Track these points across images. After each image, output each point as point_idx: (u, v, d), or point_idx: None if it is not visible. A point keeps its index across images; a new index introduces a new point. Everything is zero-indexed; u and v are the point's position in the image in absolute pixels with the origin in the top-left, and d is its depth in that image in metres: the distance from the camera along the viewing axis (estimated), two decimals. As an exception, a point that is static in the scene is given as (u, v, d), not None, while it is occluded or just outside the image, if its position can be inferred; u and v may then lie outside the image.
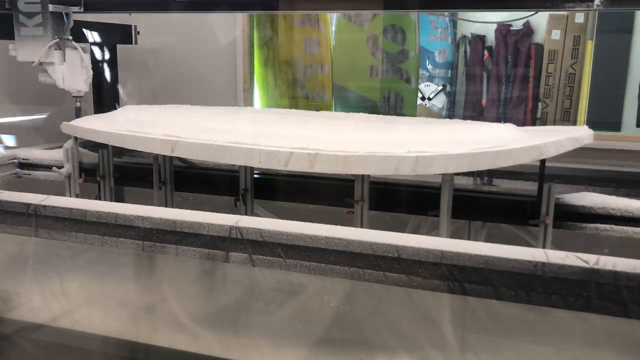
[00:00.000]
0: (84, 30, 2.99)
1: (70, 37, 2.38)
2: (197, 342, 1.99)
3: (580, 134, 1.76)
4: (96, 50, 3.16)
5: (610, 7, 2.02)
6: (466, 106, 4.59)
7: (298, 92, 3.73)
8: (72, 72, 2.37)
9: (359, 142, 1.81)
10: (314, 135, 1.91)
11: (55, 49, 2.33)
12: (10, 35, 2.58)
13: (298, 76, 3.71)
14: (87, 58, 2.42)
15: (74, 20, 2.84)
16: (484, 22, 4.33)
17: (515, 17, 3.97)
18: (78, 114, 2.48)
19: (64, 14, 2.34)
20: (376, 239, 1.37)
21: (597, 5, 1.97)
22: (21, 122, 3.28)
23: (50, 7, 2.29)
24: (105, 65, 3.19)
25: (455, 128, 1.93)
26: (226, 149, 1.89)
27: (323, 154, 1.77)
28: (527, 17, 3.93)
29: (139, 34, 3.33)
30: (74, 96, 2.43)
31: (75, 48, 2.36)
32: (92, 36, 2.99)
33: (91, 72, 2.46)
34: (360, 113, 2.27)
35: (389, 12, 3.44)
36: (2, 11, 2.55)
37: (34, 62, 2.33)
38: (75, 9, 2.38)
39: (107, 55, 3.18)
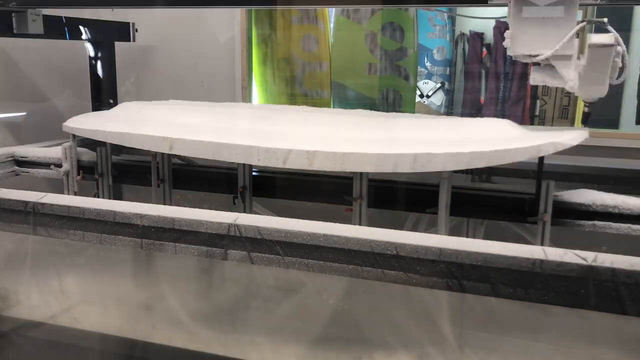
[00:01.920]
0: (81, 27, 2.99)
1: (605, 19, 1.61)
2: (195, 340, 1.99)
3: (575, 135, 1.77)
4: (94, 48, 3.16)
5: (612, 3, 1.97)
6: (465, 104, 4.59)
7: (296, 89, 3.73)
8: (594, 68, 1.59)
9: (357, 140, 1.81)
10: (312, 133, 1.91)
11: (576, 37, 1.59)
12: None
13: (296, 74, 3.71)
14: (621, 49, 1.62)
15: (71, 18, 2.85)
16: (482, 18, 4.33)
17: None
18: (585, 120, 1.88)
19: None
20: (375, 236, 1.38)
21: (600, 1, 1.91)
22: (19, 119, 3.28)
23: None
24: (103, 63, 3.18)
25: (453, 125, 1.93)
26: (224, 146, 1.89)
27: (321, 152, 1.77)
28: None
29: (137, 31, 3.32)
30: (586, 104, 1.77)
31: (610, 35, 1.55)
32: (90, 33, 2.98)
33: (625, 69, 1.66)
34: (359, 109, 2.26)
35: (388, 7, 3.44)
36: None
37: (537, 55, 1.63)
38: None
39: (105, 53, 3.17)
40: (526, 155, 1.72)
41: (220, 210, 1.60)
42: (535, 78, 1.70)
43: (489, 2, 1.91)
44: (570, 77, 1.61)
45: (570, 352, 1.80)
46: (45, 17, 2.78)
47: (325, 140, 1.83)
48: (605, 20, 1.62)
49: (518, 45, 1.66)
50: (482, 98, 4.49)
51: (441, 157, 1.70)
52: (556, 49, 1.56)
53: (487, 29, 4.39)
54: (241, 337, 1.99)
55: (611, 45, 1.53)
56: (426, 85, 4.76)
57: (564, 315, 1.67)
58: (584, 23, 1.59)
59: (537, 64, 1.66)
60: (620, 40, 1.59)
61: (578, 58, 1.61)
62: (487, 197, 2.05)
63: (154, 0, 2.56)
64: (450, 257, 1.30)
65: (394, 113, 2.32)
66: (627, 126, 3.66)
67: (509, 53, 1.72)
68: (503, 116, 1.96)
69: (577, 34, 1.59)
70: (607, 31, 1.59)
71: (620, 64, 1.63)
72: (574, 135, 1.75)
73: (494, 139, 1.78)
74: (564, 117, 3.83)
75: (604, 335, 1.76)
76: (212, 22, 3.67)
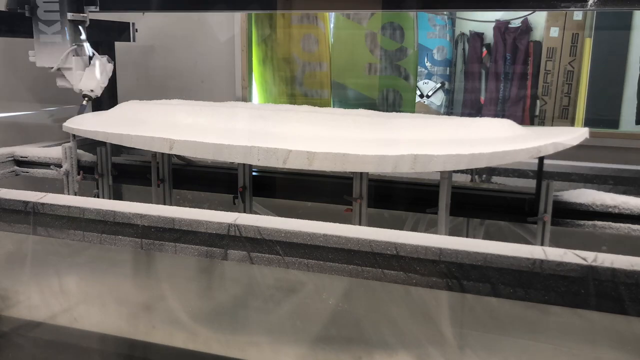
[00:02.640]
0: (80, 27, 2.98)
1: (86, 44, 2.52)
2: (195, 340, 1.99)
3: (575, 135, 1.77)
4: (94, 48, 3.16)
5: (603, 7, 2.02)
6: (465, 104, 4.59)
7: (296, 89, 3.73)
8: (88, 75, 2.49)
9: (357, 140, 1.81)
10: (313, 133, 1.91)
11: (73, 55, 2.45)
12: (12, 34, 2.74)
13: (296, 74, 3.71)
14: (103, 61, 2.55)
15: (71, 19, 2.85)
16: (482, 21, 4.34)
17: (513, 16, 3.97)
18: (82, 111, 2.60)
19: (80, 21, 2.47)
20: (375, 236, 1.38)
21: (590, 5, 1.97)
22: (19, 119, 3.28)
23: (69, 15, 2.41)
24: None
25: (454, 125, 1.93)
26: (225, 147, 1.89)
27: (321, 152, 1.77)
28: (525, 15, 3.93)
29: (137, 31, 3.32)
30: (83, 95, 2.52)
31: (90, 55, 2.52)
32: (90, 33, 2.98)
33: (109, 74, 2.58)
34: (359, 109, 2.26)
35: (387, 11, 3.44)
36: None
37: (52, 67, 2.44)
38: (92, 8, 2.49)
39: (105, 53, 3.17)
40: (526, 155, 1.72)
41: (220, 210, 1.60)
42: (59, 82, 2.50)
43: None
44: (73, 82, 2.46)
45: (570, 352, 1.80)
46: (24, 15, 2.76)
47: (326, 141, 1.83)
48: (86, 44, 2.49)
49: (40, 60, 2.46)
50: (482, 98, 4.50)
51: (441, 157, 1.70)
52: (58, 64, 2.42)
53: (487, 29, 4.39)
54: (241, 337, 1.99)
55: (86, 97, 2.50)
56: (426, 85, 4.76)
57: (564, 315, 1.67)
58: (75, 46, 2.45)
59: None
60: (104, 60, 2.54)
61: (84, 70, 2.47)
62: (487, 197, 2.05)
63: (167, 4, 2.67)
64: (450, 257, 1.30)
65: (394, 113, 2.32)
66: (627, 126, 3.66)
67: (37, 65, 2.47)
68: (503, 116, 1.96)
69: (75, 53, 2.45)
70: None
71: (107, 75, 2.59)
72: (574, 135, 1.75)
73: (494, 139, 1.78)
74: (564, 117, 3.83)
75: (604, 335, 1.76)
76: (212, 22, 3.67)
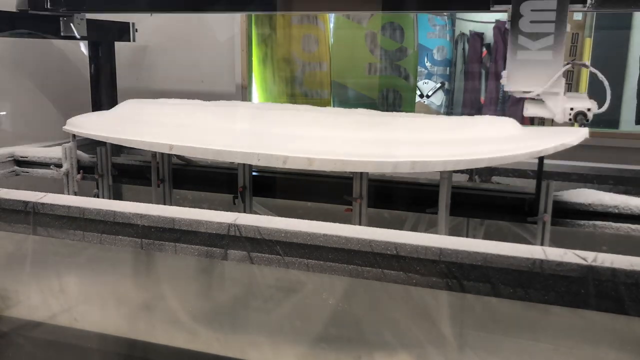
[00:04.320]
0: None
1: (588, 62, 2.04)
2: (195, 340, 1.99)
3: (575, 135, 1.77)
4: (94, 47, 3.16)
5: (602, 9, 2.02)
6: (465, 104, 4.59)
7: (296, 89, 3.73)
8: (578, 102, 1.94)
9: (357, 140, 1.81)
10: (313, 132, 1.91)
11: (563, 76, 1.92)
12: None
13: (296, 74, 3.71)
14: (604, 83, 1.99)
15: (69, 18, 2.87)
16: (481, 22, 4.34)
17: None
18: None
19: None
20: (375, 236, 1.38)
21: (588, 7, 1.99)
22: (19, 119, 3.28)
23: (568, 27, 1.88)
24: (103, 62, 3.18)
25: (454, 124, 1.93)
26: (224, 152, 1.90)
27: (321, 152, 1.77)
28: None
29: (136, 31, 3.32)
30: (577, 115, 1.93)
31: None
32: (90, 33, 2.98)
33: (608, 97, 1.98)
34: (359, 109, 2.26)
35: (386, 13, 3.44)
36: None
37: (529, 92, 1.89)
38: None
39: (105, 52, 3.17)
40: (526, 155, 1.72)
41: (220, 210, 1.60)
42: (529, 110, 1.94)
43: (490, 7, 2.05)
44: (557, 110, 1.90)
45: (570, 352, 1.80)
46: (45, 17, 2.79)
47: (326, 141, 1.83)
48: (587, 63, 2.00)
49: (513, 82, 1.91)
50: (482, 98, 4.50)
51: (441, 157, 1.70)
52: (545, 87, 1.87)
53: (487, 29, 4.39)
54: (241, 337, 1.99)
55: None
56: (426, 85, 4.76)
57: (564, 315, 1.67)
58: (569, 65, 1.94)
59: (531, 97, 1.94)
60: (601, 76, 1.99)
61: (564, 94, 1.93)
62: (487, 197, 2.05)
63: (169, 5, 2.66)
64: (450, 257, 1.30)
65: (394, 113, 2.32)
66: (627, 126, 3.66)
67: (505, 89, 1.96)
68: (503, 116, 1.96)
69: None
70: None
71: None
72: (574, 135, 1.75)
73: (494, 139, 1.78)
74: (564, 117, 3.82)
75: (604, 335, 1.76)
76: (212, 22, 3.67)
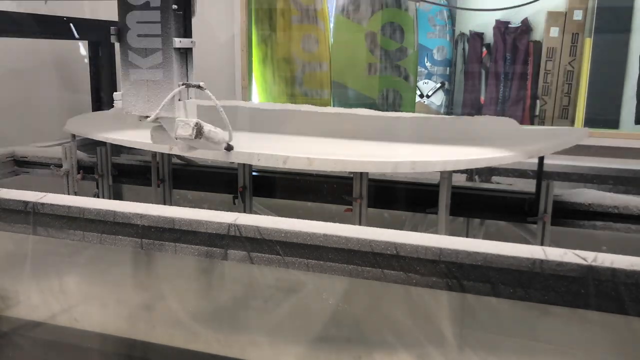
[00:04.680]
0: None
1: (202, 84, 1.79)
2: (195, 340, 1.99)
3: (575, 135, 1.77)
4: (93, 47, 3.16)
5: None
6: (465, 104, 4.59)
7: (296, 89, 3.73)
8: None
9: (357, 140, 1.81)
10: (313, 132, 1.91)
11: (179, 99, 1.70)
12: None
13: (296, 74, 3.71)
14: (221, 112, 1.73)
15: (69, 18, 2.87)
16: (482, 10, 4.32)
17: (514, 16, 3.96)
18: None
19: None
20: (374, 236, 1.38)
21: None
22: (19, 119, 3.28)
23: (176, 42, 1.67)
24: (103, 62, 3.18)
25: (454, 124, 1.93)
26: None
27: (321, 152, 1.77)
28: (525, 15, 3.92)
29: (137, 31, 3.32)
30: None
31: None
32: (90, 33, 2.99)
33: (231, 130, 1.73)
34: (359, 109, 2.27)
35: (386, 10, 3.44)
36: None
37: (146, 117, 1.66)
38: None
39: (104, 52, 3.17)
40: (526, 155, 1.72)
41: (220, 210, 1.60)
42: (155, 138, 1.70)
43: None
44: (180, 136, 1.60)
45: (570, 352, 1.80)
46: (45, 17, 2.79)
47: (326, 141, 1.83)
48: (202, 84, 1.72)
49: (129, 106, 1.65)
50: (482, 98, 4.50)
51: (441, 157, 1.70)
52: (157, 112, 1.59)
53: (487, 29, 4.39)
54: (241, 337, 1.99)
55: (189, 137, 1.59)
56: (426, 85, 4.76)
57: (564, 315, 1.67)
58: (183, 86, 1.66)
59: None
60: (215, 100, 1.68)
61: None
62: (487, 197, 2.05)
63: None
64: (450, 257, 1.30)
65: (394, 112, 2.32)
66: (627, 126, 3.66)
67: (124, 112, 1.66)
68: (503, 116, 1.96)
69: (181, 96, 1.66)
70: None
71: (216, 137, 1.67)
72: (573, 135, 1.76)
73: (494, 139, 1.79)
74: (564, 117, 3.83)
75: (604, 335, 1.76)
76: (212, 21, 3.67)
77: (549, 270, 1.22)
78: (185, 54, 1.73)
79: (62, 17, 2.86)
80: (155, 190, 2.42)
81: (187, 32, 1.71)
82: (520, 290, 1.26)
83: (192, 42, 1.72)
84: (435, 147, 1.74)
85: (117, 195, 2.74)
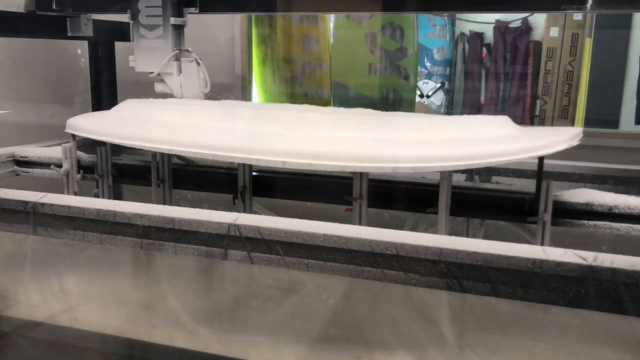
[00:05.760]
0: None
1: (190, 49, 2.51)
2: (195, 340, 1.99)
3: (573, 135, 1.77)
4: (94, 47, 3.16)
5: (600, 9, 2.05)
6: (465, 104, 4.59)
7: (296, 89, 3.73)
8: (188, 81, 2.49)
9: (357, 140, 1.81)
10: (313, 132, 1.91)
11: (174, 60, 2.46)
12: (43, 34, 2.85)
13: (296, 74, 3.71)
14: (203, 69, 2.52)
15: (76, 18, 2.89)
16: (481, 22, 4.34)
17: (513, 17, 3.97)
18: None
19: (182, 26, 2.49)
20: (375, 236, 1.38)
21: (589, 7, 2.01)
22: (19, 119, 3.28)
23: (172, 20, 2.41)
24: (104, 62, 3.18)
25: (453, 124, 1.93)
26: (225, 149, 1.90)
27: (321, 152, 1.77)
28: (525, 15, 3.93)
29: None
30: None
31: (192, 60, 2.49)
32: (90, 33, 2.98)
33: (208, 82, 2.53)
34: (359, 108, 2.26)
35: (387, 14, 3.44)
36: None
37: (152, 72, 2.47)
38: (192, 10, 2.50)
39: (105, 52, 3.17)
40: (525, 155, 1.72)
41: (220, 210, 1.60)
42: (158, 87, 2.52)
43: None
44: (173, 86, 2.47)
45: (570, 352, 1.80)
46: (45, 17, 2.79)
47: (326, 140, 1.83)
48: (190, 49, 2.51)
49: (140, 65, 2.51)
50: (482, 98, 4.50)
51: (441, 157, 1.69)
52: (160, 67, 2.45)
53: (487, 29, 4.39)
54: (241, 337, 1.99)
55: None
56: (426, 85, 4.76)
57: (564, 315, 1.67)
58: (177, 51, 2.46)
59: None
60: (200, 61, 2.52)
61: (179, 75, 2.48)
62: (487, 197, 2.05)
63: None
64: (450, 257, 1.30)
65: (394, 112, 2.32)
66: (627, 126, 3.66)
67: (136, 70, 2.52)
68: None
69: (176, 58, 2.47)
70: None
71: (206, 81, 2.53)
72: (572, 135, 1.75)
73: (493, 139, 1.78)
74: (564, 117, 3.83)
75: (604, 335, 1.76)
76: (212, 21, 3.67)
77: (549, 270, 1.22)
78: (179, 29, 2.50)
79: (62, 17, 2.86)
80: (155, 190, 2.42)
81: (180, 14, 2.48)
82: (520, 290, 1.26)
83: (183, 20, 2.49)
84: (435, 147, 1.74)
85: (117, 195, 2.74)
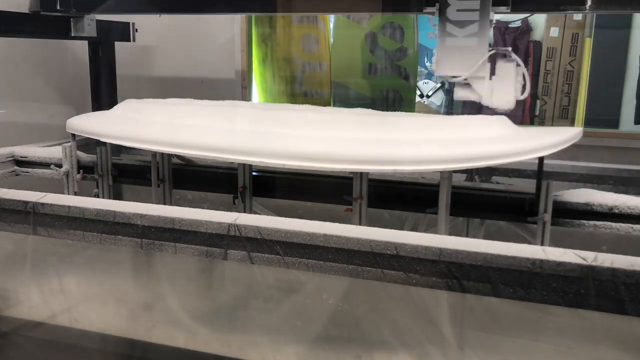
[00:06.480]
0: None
1: (510, 48, 2.12)
2: (195, 340, 1.99)
3: (572, 134, 1.77)
4: (94, 47, 3.16)
5: (600, 9, 2.05)
6: (465, 104, 4.58)
7: (296, 89, 3.73)
8: (502, 86, 2.09)
9: (357, 140, 1.81)
10: (313, 132, 1.91)
11: (489, 62, 2.08)
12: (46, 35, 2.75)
13: (296, 73, 3.71)
14: (523, 69, 2.11)
15: (80, 19, 2.90)
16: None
17: (513, 17, 3.96)
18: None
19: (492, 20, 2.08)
20: (375, 236, 1.38)
21: (588, 8, 2.01)
22: (19, 119, 3.28)
23: (493, 16, 2.03)
24: (103, 62, 3.18)
25: (453, 124, 1.93)
26: (225, 149, 1.90)
27: (321, 152, 1.77)
28: (525, 15, 3.92)
29: (137, 31, 3.32)
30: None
31: (513, 60, 2.09)
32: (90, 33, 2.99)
33: (528, 86, 2.12)
34: (359, 108, 2.26)
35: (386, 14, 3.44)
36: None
37: (457, 77, 2.08)
38: (503, 9, 2.10)
39: (105, 52, 3.17)
40: (525, 155, 1.72)
41: (220, 210, 1.60)
42: (458, 93, 2.13)
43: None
44: (483, 93, 2.07)
45: (570, 352, 1.80)
46: (45, 17, 2.79)
47: (326, 140, 1.83)
48: (510, 49, 2.10)
49: (442, 68, 2.08)
50: (482, 98, 4.49)
51: (440, 157, 1.69)
52: (471, 72, 2.03)
53: (487, 29, 4.37)
54: (241, 337, 1.99)
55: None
56: (426, 85, 4.76)
57: (564, 315, 1.67)
58: (493, 51, 2.05)
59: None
60: (521, 62, 2.09)
61: (490, 78, 2.09)
62: (487, 197, 2.05)
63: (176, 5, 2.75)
64: (450, 257, 1.30)
65: (394, 112, 2.32)
66: (627, 126, 3.66)
67: (436, 74, 2.16)
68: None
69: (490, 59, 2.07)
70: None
71: (523, 82, 2.11)
72: (571, 135, 1.75)
73: (493, 139, 1.78)
74: (564, 117, 3.83)
75: (604, 335, 1.76)
76: (212, 21, 3.67)
77: (549, 270, 1.22)
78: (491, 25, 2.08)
79: (62, 17, 2.87)
80: (155, 190, 2.42)
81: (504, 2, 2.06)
82: (520, 290, 1.26)
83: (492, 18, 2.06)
84: (434, 147, 1.74)
85: (117, 195, 2.74)
